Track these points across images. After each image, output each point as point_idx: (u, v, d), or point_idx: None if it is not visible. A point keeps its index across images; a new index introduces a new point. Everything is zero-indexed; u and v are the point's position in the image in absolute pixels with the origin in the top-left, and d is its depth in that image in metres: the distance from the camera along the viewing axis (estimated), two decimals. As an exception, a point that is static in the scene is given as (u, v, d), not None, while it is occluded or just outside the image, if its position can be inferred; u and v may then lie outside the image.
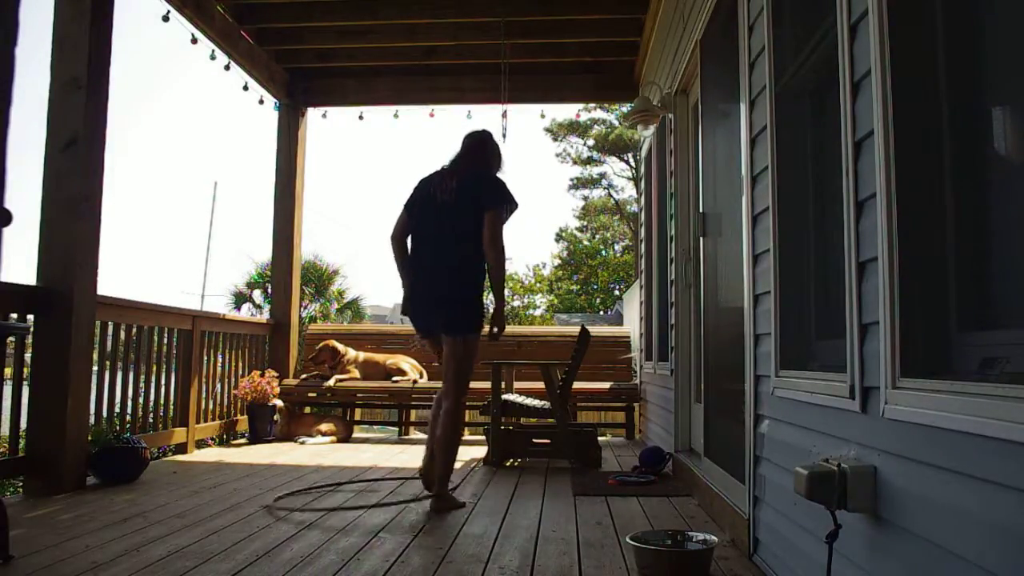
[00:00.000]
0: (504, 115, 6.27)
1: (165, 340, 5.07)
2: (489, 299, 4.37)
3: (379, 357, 6.58)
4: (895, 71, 1.59)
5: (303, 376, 6.55)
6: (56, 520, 3.12)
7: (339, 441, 6.03)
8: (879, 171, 1.61)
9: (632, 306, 9.90)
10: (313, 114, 7.14)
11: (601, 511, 3.39)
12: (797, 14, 2.49)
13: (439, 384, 3.61)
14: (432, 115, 7.06)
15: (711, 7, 3.58)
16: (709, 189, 4.02)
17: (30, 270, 3.78)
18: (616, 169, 27.76)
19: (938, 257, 1.58)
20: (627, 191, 27.29)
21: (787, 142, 2.43)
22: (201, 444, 5.63)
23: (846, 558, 1.75)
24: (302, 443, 5.86)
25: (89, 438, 3.92)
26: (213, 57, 5.76)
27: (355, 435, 6.50)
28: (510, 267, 21.56)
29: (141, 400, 4.73)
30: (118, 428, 4.41)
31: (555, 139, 27.67)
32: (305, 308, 12.47)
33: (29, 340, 3.83)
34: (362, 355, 6.57)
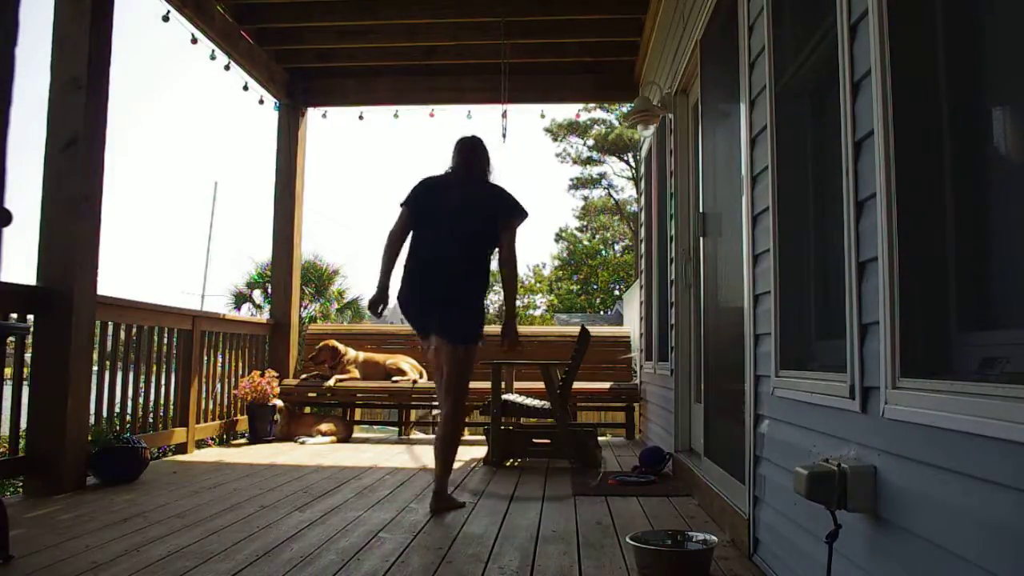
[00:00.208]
0: (504, 115, 6.28)
1: (165, 340, 5.07)
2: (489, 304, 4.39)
3: (379, 357, 6.59)
4: (895, 71, 1.59)
5: (303, 376, 6.55)
6: (56, 520, 3.12)
7: (339, 441, 6.03)
8: (879, 171, 1.61)
9: (632, 306, 9.92)
10: (313, 114, 7.14)
11: (601, 511, 3.39)
12: (797, 14, 2.49)
13: None
14: (432, 115, 7.06)
15: (711, 7, 3.58)
16: (709, 189, 4.02)
17: (30, 270, 3.79)
18: (616, 169, 27.80)
19: (938, 257, 1.58)
20: (627, 191, 27.33)
21: (787, 142, 2.43)
22: (201, 444, 5.63)
23: (846, 558, 1.75)
24: (302, 443, 5.86)
25: (89, 438, 3.92)
26: (213, 57, 5.76)
27: (355, 435, 6.50)
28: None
29: (141, 400, 4.74)
30: (118, 428, 4.41)
31: (555, 139, 27.70)
32: (305, 308, 12.48)
33: (29, 340, 3.84)
34: (362, 355, 6.58)
